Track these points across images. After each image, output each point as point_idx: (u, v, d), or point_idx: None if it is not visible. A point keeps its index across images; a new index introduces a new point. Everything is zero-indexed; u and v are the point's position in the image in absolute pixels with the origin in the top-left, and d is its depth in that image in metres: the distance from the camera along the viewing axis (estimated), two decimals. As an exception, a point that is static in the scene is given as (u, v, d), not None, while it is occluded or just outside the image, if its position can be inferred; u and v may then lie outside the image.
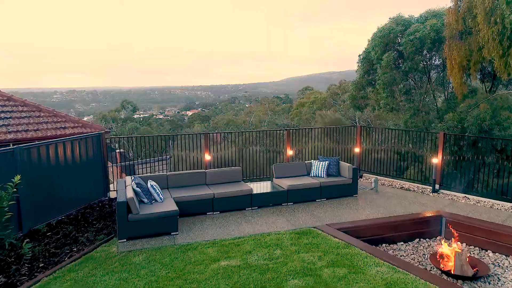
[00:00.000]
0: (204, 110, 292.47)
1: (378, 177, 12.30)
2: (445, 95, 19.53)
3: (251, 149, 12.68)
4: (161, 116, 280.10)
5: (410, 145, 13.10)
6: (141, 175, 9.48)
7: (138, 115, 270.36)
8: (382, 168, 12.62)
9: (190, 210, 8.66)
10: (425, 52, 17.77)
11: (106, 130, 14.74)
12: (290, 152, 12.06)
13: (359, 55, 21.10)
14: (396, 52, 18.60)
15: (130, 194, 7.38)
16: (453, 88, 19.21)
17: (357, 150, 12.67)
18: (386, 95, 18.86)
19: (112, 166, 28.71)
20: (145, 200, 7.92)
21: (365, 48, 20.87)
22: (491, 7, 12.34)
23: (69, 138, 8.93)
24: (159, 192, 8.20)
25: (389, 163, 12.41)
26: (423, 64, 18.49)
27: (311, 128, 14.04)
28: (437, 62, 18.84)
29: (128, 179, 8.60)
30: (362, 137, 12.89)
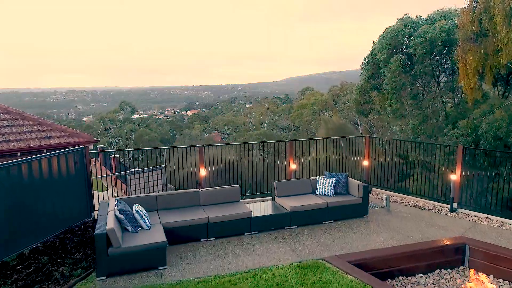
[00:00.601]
0: (204, 110, 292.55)
1: (389, 192, 11.32)
2: (454, 100, 18.54)
3: (250, 160, 11.68)
4: (161, 116, 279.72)
5: (424, 158, 12.11)
6: (127, 196, 8.48)
7: (138, 115, 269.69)
8: (392, 182, 11.64)
9: (181, 236, 7.68)
10: (435, 55, 16.77)
11: (94, 140, 13.77)
12: (293, 166, 11.07)
13: (364, 58, 20.12)
14: (405, 55, 17.60)
15: (111, 223, 6.40)
16: (463, 93, 18.30)
17: (365, 163, 11.69)
18: (395, 101, 17.86)
19: (106, 170, 27.78)
20: (130, 228, 6.94)
21: (370, 51, 19.88)
22: (511, 7, 11.35)
23: (46, 155, 7.95)
24: (145, 219, 7.21)
25: (400, 177, 11.43)
26: (433, 68, 17.49)
27: (316, 140, 13.04)
28: (446, 65, 17.85)
29: (112, 202, 7.62)
30: (370, 148, 11.90)
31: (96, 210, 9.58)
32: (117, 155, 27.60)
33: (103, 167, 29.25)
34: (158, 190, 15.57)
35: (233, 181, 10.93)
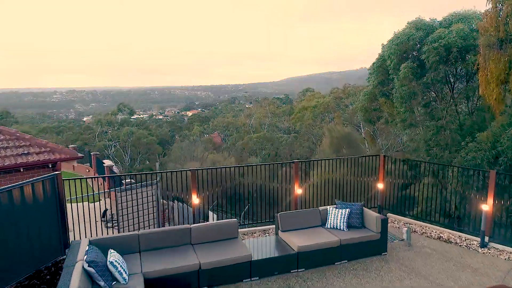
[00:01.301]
0: (204, 111, 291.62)
1: (407, 219, 10.03)
2: (468, 109, 17.25)
3: (250, 182, 10.40)
4: (160, 117, 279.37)
5: (447, 180, 10.80)
6: (102, 237, 7.16)
7: (138, 115, 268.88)
8: (411, 207, 10.35)
9: None
10: (450, 61, 15.47)
11: (78, 156, 12.46)
12: (298, 190, 9.76)
13: (373, 63, 18.83)
14: (416, 61, 16.30)
15: (75, 282, 5.09)
16: (478, 101, 16.98)
17: (380, 186, 10.39)
18: (404, 110, 16.56)
19: (98, 179, 26.42)
20: (102, 284, 5.64)
21: (379, 55, 18.59)
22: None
23: (6, 188, 6.65)
24: (121, 271, 5.90)
25: (421, 202, 10.14)
26: (447, 75, 16.20)
27: (323, 160, 11.69)
28: (462, 71, 16.56)
29: (84, 244, 6.33)
30: (385, 169, 10.60)
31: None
32: (111, 164, 26.31)
33: (97, 175, 28.05)
34: (151, 207, 14.26)
35: (231, 206, 9.63)
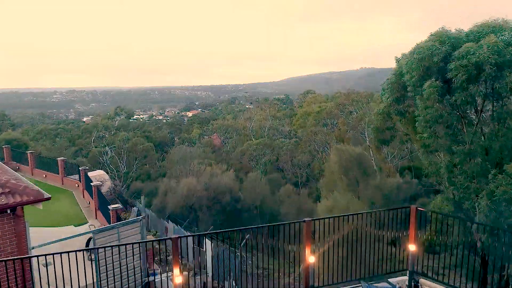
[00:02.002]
0: (204, 111, 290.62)
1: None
2: (500, 133, 15.20)
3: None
4: (160, 117, 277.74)
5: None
6: None
7: (138, 115, 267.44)
8: (450, 272, 8.33)
9: None
10: (481, 80, 13.45)
11: (43, 198, 10.49)
12: (311, 258, 7.71)
13: (387, 79, 16.87)
14: (441, 79, 14.28)
15: None
16: (506, 122, 14.97)
17: (411, 248, 8.35)
18: (429, 136, 14.55)
19: (84, 192, 24.41)
20: None
21: (395, 70, 16.60)
22: None
23: None
24: None
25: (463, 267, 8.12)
26: (476, 95, 14.17)
27: (341, 216, 9.48)
28: (494, 91, 14.51)
29: None
30: (418, 225, 8.56)
31: None
32: (100, 183, 24.23)
33: (86, 192, 26.05)
34: (136, 249, 12.25)
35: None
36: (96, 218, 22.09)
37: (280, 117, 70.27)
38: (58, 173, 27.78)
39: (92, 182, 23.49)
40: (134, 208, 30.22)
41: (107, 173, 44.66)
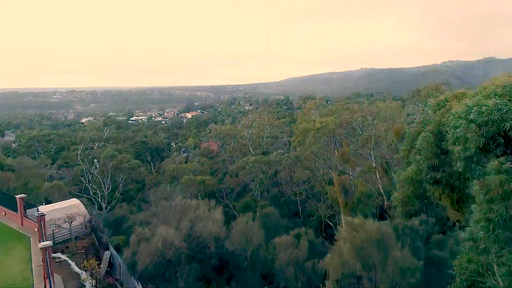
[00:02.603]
0: (203, 112, 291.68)
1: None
2: None
3: None
4: (160, 118, 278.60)
5: None
6: None
7: (137, 116, 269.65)
8: None
9: None
10: None
11: None
12: None
13: (421, 138, 13.91)
14: (510, 153, 10.89)
15: None
16: None
17: None
18: (487, 236, 10.88)
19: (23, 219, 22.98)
20: None
21: (430, 128, 13.73)
22: None
23: None
24: None
25: None
26: None
27: None
28: None
29: None
30: None
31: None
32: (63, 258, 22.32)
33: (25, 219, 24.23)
34: None
35: None
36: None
37: (279, 125, 70.04)
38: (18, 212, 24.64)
39: (44, 242, 19.52)
40: (107, 252, 25.57)
41: (90, 192, 42.71)
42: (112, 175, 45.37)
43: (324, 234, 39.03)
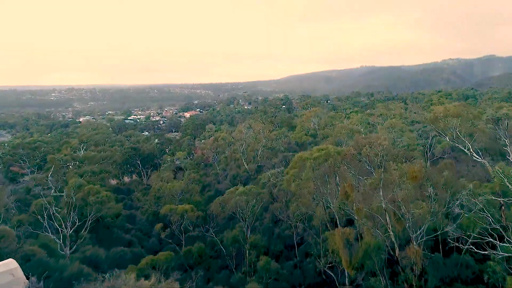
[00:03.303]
0: (202, 112, 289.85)
1: None
2: None
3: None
4: (158, 118, 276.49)
5: None
6: None
7: (135, 115, 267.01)
8: None
9: None
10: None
11: None
12: None
13: None
14: None
15: None
16: None
17: None
18: None
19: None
20: None
21: None
22: None
23: None
24: None
25: None
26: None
27: None
28: None
29: None
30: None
31: None
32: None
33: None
34: None
35: None
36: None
37: (276, 135, 66.26)
38: None
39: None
40: None
41: (49, 233, 35.17)
42: (79, 207, 38.67)
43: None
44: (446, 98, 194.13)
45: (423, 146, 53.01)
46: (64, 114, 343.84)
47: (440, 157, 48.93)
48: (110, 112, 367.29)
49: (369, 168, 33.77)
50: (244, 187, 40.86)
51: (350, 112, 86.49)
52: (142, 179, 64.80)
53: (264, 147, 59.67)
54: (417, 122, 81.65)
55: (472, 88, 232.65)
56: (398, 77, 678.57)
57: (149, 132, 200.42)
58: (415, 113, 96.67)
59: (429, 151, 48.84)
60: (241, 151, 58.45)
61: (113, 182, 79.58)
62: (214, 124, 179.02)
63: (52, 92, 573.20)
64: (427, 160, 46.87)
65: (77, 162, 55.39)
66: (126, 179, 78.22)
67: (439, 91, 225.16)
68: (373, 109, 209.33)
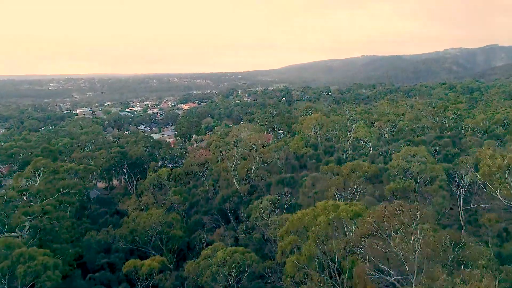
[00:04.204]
0: (200, 104, 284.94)
1: None
2: None
3: None
4: (155, 110, 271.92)
5: None
6: None
7: (133, 107, 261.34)
8: None
9: None
10: None
11: None
12: None
13: None
14: None
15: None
16: None
17: None
18: None
19: None
20: None
21: None
22: None
23: None
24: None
25: None
26: None
27: None
28: None
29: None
30: None
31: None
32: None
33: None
34: None
35: None
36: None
37: (270, 151, 59.15)
38: None
39: None
40: None
41: None
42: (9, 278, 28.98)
43: None
44: (451, 90, 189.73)
45: (447, 174, 42.46)
46: (61, 105, 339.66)
47: (477, 206, 38.08)
48: (108, 103, 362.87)
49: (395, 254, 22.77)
50: (224, 251, 31.25)
51: (354, 114, 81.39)
52: (129, 186, 60.80)
53: (258, 164, 53.09)
54: (428, 127, 76.87)
55: (477, 81, 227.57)
56: (399, 67, 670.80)
57: (145, 126, 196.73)
58: (423, 114, 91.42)
59: (458, 186, 38.55)
60: (232, 168, 52.20)
61: (101, 185, 75.79)
62: (213, 117, 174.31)
63: (50, 82, 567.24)
64: (460, 206, 37.82)
65: (27, 197, 41.53)
66: (115, 181, 74.35)
67: (443, 83, 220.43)
68: (377, 102, 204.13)
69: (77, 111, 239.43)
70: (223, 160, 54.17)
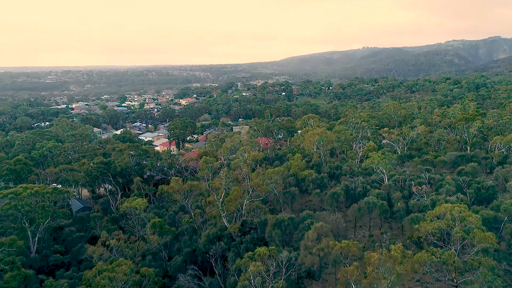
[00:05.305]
0: (198, 99, 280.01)
1: None
2: None
3: None
4: (152, 105, 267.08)
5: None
6: None
7: (130, 101, 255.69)
8: None
9: None
10: None
11: None
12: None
13: None
14: None
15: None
16: None
17: None
18: None
19: None
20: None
21: None
22: None
23: None
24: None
25: None
26: None
27: None
28: None
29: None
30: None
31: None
32: None
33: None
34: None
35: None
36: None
37: (269, 176, 54.58)
38: None
39: None
40: None
41: None
42: None
43: None
44: (456, 86, 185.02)
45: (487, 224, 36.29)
46: (58, 99, 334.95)
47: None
48: (105, 96, 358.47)
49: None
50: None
51: (361, 121, 76.24)
52: (112, 203, 56.48)
53: (251, 197, 46.86)
54: (444, 140, 71.36)
55: (482, 76, 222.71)
56: (401, 60, 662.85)
57: (141, 123, 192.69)
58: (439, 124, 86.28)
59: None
60: (220, 202, 46.53)
61: (87, 194, 71.48)
62: (210, 114, 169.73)
63: (48, 74, 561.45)
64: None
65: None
66: (102, 190, 70.13)
67: (447, 79, 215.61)
68: (379, 98, 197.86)
69: (73, 106, 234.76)
70: (211, 187, 48.55)
